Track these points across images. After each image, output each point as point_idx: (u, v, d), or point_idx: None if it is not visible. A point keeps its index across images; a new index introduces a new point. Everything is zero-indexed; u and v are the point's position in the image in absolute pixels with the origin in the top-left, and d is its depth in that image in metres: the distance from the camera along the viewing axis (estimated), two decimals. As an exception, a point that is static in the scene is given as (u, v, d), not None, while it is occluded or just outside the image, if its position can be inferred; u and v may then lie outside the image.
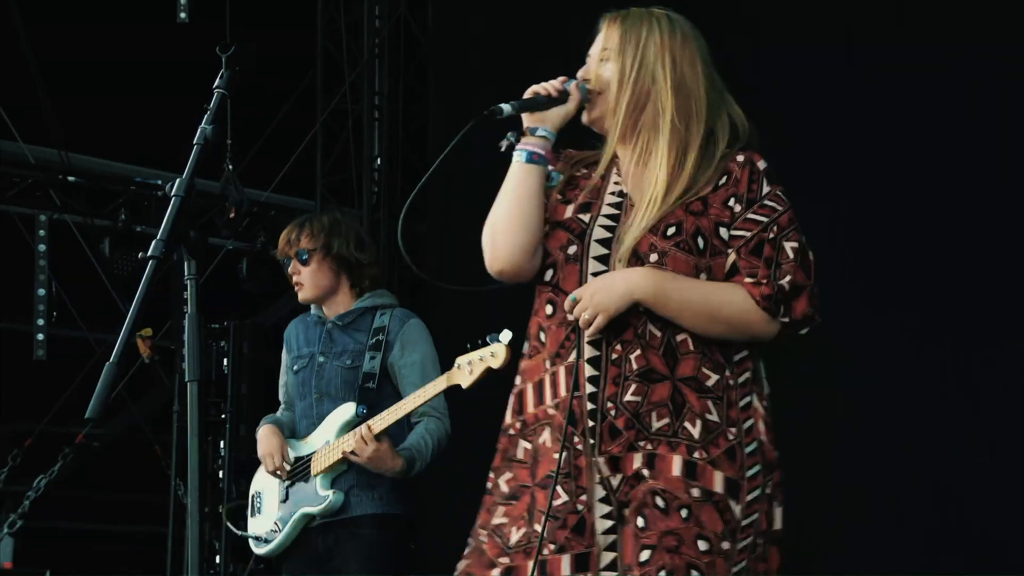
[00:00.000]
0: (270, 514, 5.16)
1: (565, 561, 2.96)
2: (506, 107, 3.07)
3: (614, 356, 3.01)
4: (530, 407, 3.11)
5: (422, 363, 4.98)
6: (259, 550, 5.24)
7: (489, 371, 4.60)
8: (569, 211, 3.08)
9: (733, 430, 2.97)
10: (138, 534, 9.43)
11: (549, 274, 3.11)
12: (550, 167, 3.11)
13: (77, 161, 8.66)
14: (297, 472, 5.09)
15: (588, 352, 3.03)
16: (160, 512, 8.27)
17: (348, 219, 5.43)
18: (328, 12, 8.84)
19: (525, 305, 5.50)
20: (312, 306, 5.25)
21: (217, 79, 3.15)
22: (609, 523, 2.97)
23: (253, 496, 5.32)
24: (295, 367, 5.25)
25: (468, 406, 5.55)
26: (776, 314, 2.97)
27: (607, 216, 3.04)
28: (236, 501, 5.84)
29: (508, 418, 3.15)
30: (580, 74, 3.18)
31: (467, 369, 4.64)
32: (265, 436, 5.11)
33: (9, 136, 8.30)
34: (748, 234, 3.00)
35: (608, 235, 3.05)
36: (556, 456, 3.02)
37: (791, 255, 2.98)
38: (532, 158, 3.09)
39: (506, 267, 3.12)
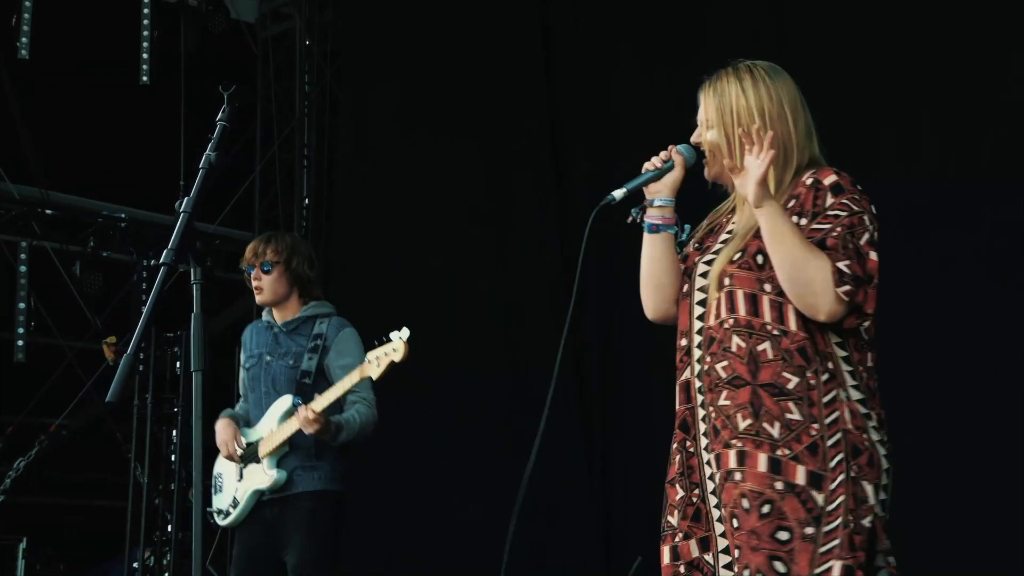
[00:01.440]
0: (229, 491, 5.34)
1: (692, 545, 3.11)
2: (618, 193, 3.22)
3: (705, 367, 3.12)
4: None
5: (352, 365, 5.11)
6: (222, 522, 5.37)
7: (393, 364, 4.82)
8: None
9: (816, 426, 2.99)
10: (102, 508, 9.46)
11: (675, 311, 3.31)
12: (680, 226, 3.25)
13: (54, 197, 9.26)
14: (250, 455, 5.28)
15: (696, 368, 3.16)
16: (120, 489, 8.82)
17: (304, 242, 5.61)
18: (267, 78, 9.53)
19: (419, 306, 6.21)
20: (264, 312, 5.46)
21: (219, 113, 3.38)
22: (719, 512, 3.09)
23: (215, 477, 5.49)
24: (247, 365, 5.44)
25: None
26: (839, 286, 2.94)
27: (713, 253, 3.15)
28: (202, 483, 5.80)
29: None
30: (693, 139, 3.28)
31: (375, 363, 4.86)
32: (221, 427, 5.31)
33: None
34: (815, 237, 3.03)
35: (707, 268, 3.17)
36: (677, 458, 3.20)
37: (852, 251, 2.99)
38: (652, 228, 3.25)
39: (655, 317, 3.35)
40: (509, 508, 4.23)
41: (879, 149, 6.93)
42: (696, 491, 3.08)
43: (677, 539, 3.12)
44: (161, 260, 3.13)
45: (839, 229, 2.98)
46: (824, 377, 3.00)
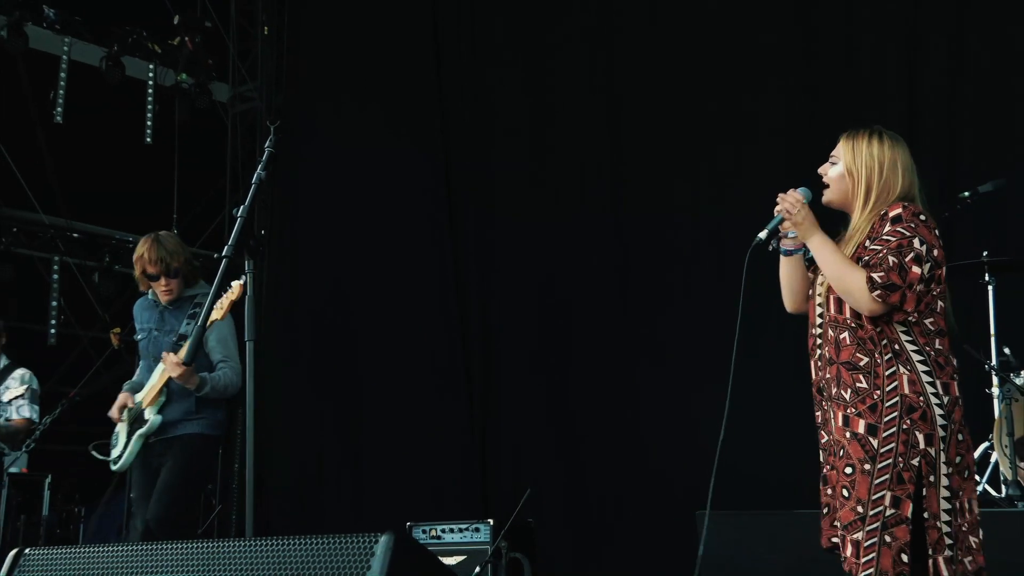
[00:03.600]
0: (121, 443, 5.36)
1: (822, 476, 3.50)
2: (762, 234, 3.46)
3: (819, 352, 3.48)
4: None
5: (223, 334, 5.17)
6: (115, 467, 5.37)
7: (232, 303, 4.74)
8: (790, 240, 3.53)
9: (877, 392, 3.29)
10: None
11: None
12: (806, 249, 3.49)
13: (77, 225, 9.97)
14: (136, 413, 5.30)
15: (818, 352, 3.51)
16: None
17: (176, 237, 5.44)
18: (235, 142, 10.25)
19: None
20: (149, 292, 5.40)
21: (267, 142, 3.75)
22: (823, 452, 3.49)
23: (114, 435, 5.49)
24: (139, 337, 5.46)
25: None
26: (872, 291, 3.27)
27: None
28: (99, 442, 5.68)
29: None
30: (820, 170, 3.57)
31: (219, 308, 4.76)
32: (118, 398, 5.40)
33: (34, 209, 9.63)
34: (867, 256, 3.35)
35: (823, 279, 3.48)
36: (818, 413, 3.54)
37: (891, 264, 3.28)
38: (787, 253, 3.54)
39: (792, 310, 3.65)
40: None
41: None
42: (829, 437, 3.44)
43: (824, 470, 3.47)
44: (223, 254, 3.52)
45: (884, 250, 3.31)
46: (888, 356, 3.32)
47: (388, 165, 9.09)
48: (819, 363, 3.46)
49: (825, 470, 3.45)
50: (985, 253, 5.64)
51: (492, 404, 8.41)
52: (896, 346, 3.32)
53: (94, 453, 5.80)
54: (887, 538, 3.18)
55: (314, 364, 9.03)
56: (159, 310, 5.34)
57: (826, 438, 3.44)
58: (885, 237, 3.34)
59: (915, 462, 3.22)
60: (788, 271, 3.58)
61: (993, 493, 5.45)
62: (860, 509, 3.22)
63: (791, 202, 3.46)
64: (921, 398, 3.27)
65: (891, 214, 3.36)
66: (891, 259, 3.28)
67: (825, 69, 7.29)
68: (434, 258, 8.80)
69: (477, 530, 6.43)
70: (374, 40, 9.30)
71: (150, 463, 5.21)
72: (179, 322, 5.23)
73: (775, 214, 3.48)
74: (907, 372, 3.29)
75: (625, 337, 7.70)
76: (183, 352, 4.89)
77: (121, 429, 5.38)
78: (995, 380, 5.58)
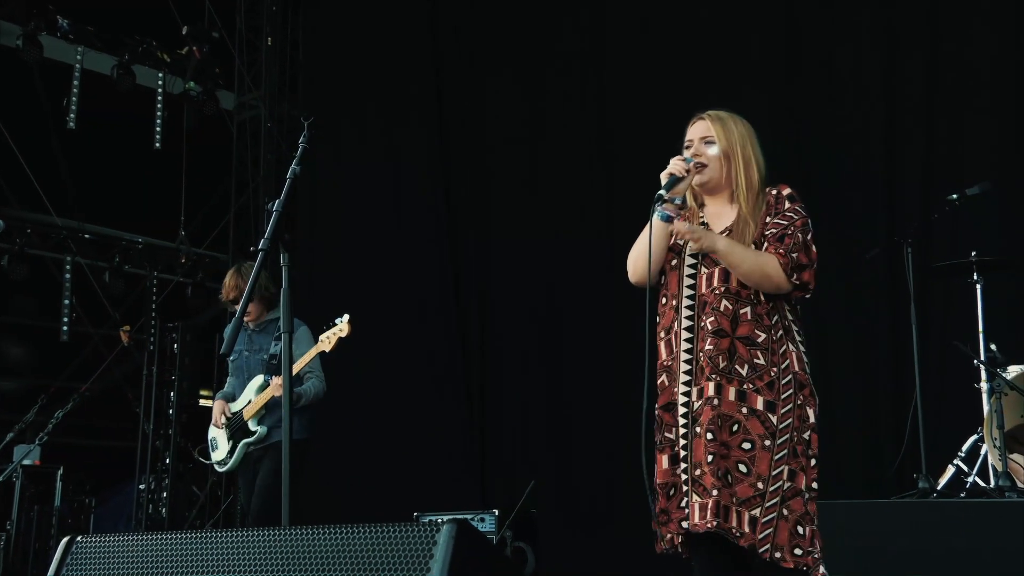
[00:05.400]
0: (223, 449, 5.64)
1: (665, 458, 3.27)
2: (662, 192, 3.25)
3: (701, 323, 3.26)
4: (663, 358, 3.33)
5: (307, 350, 5.35)
6: (221, 469, 5.69)
7: (340, 340, 5.15)
8: (672, 239, 3.35)
9: (774, 369, 3.20)
10: (117, 447, 10.05)
11: (662, 280, 3.38)
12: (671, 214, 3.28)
13: (89, 228, 9.99)
14: (235, 421, 5.58)
15: (685, 323, 3.29)
16: (131, 434, 9.55)
17: (264, 273, 5.32)
18: (240, 148, 10.22)
19: (356, 299, 6.50)
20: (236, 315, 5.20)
21: (301, 137, 3.54)
22: (685, 430, 3.22)
23: (211, 440, 5.77)
24: (232, 359, 5.71)
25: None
26: (791, 276, 3.21)
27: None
28: (202, 446, 5.98)
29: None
30: (694, 152, 3.36)
31: (327, 341, 5.17)
32: (214, 407, 5.69)
33: (47, 211, 9.65)
34: (775, 230, 3.25)
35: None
36: (673, 389, 3.28)
37: (800, 243, 3.24)
38: (668, 219, 3.30)
39: (638, 281, 3.39)
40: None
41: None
42: (670, 416, 3.26)
43: (676, 448, 3.24)
44: (259, 247, 3.35)
45: (791, 228, 3.25)
46: (779, 334, 3.24)
47: (389, 173, 9.10)
48: (686, 336, 3.26)
49: (677, 448, 3.22)
50: (974, 253, 5.60)
51: (491, 401, 8.39)
52: (785, 323, 3.27)
53: (199, 458, 6.40)
54: (784, 511, 3.10)
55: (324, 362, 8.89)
56: (248, 333, 5.61)
57: (684, 413, 3.22)
58: (787, 214, 3.28)
59: (806, 435, 3.18)
60: (660, 237, 3.32)
61: (982, 484, 5.40)
62: (760, 485, 3.10)
63: (682, 165, 3.31)
64: (806, 375, 3.24)
65: (784, 192, 3.33)
66: (800, 237, 3.24)
67: (806, 79, 7.25)
68: (434, 261, 8.77)
69: (482, 520, 6.37)
70: (375, 55, 9.32)
71: (252, 469, 5.52)
72: (267, 342, 5.49)
73: (670, 174, 3.28)
74: (795, 349, 3.25)
75: (621, 334, 7.56)
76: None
77: (219, 435, 5.66)
78: (983, 375, 5.54)
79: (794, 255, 3.21)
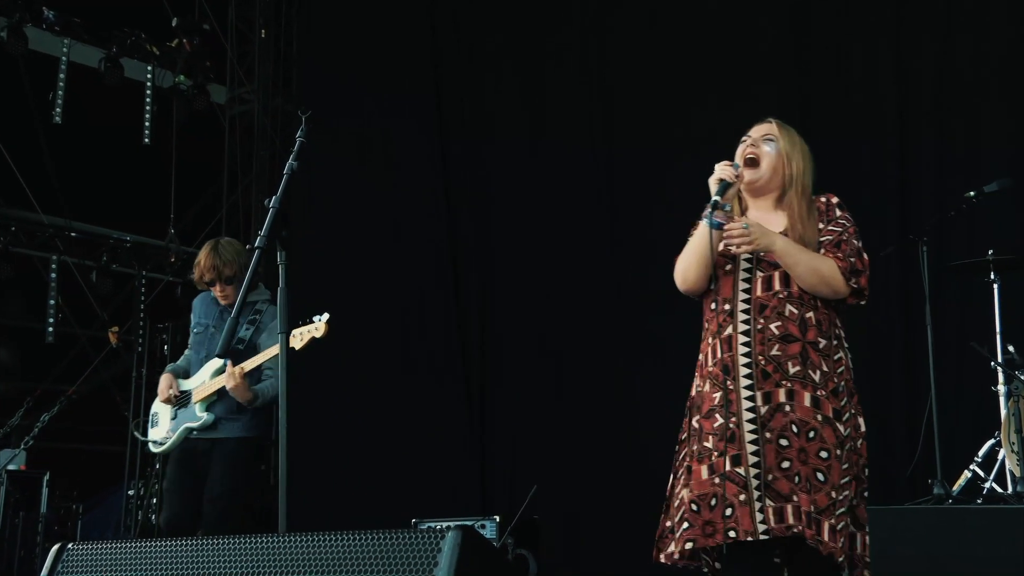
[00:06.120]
0: (163, 427, 5.35)
1: (726, 461, 3.21)
2: (717, 198, 3.30)
3: (759, 326, 3.28)
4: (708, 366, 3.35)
5: (271, 339, 5.11)
6: (156, 449, 5.40)
7: (314, 339, 4.75)
8: (722, 245, 3.34)
9: (834, 376, 3.27)
10: (105, 451, 9.96)
11: (713, 284, 3.38)
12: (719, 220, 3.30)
13: (76, 225, 9.91)
14: (183, 400, 5.28)
15: (741, 327, 3.31)
16: (119, 437, 9.46)
17: (242, 248, 5.41)
18: (232, 144, 10.11)
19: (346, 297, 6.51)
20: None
21: (298, 132, 3.54)
22: (754, 435, 3.21)
23: (152, 415, 5.44)
24: (196, 330, 5.42)
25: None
26: (849, 280, 3.27)
27: None
28: (138, 420, 5.59)
29: (693, 389, 3.42)
30: (749, 150, 3.48)
31: (299, 337, 4.75)
32: (161, 379, 5.37)
33: (33, 208, 9.56)
34: (830, 237, 3.34)
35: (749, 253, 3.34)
36: (714, 396, 3.28)
37: (855, 250, 3.33)
38: (719, 227, 3.32)
39: (689, 289, 3.45)
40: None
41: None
42: (733, 419, 3.21)
43: (713, 458, 3.24)
44: (256, 244, 3.37)
45: (845, 234, 3.34)
46: (835, 341, 3.33)
47: (386, 168, 9.10)
48: (744, 340, 3.27)
49: (714, 459, 3.24)
50: (991, 252, 5.60)
51: (492, 404, 8.40)
52: (837, 330, 3.35)
53: (135, 432, 6.02)
54: (851, 520, 3.21)
55: (313, 363, 8.76)
56: (219, 309, 5.34)
57: (752, 419, 3.22)
58: (840, 221, 3.37)
59: (859, 444, 3.27)
60: (714, 243, 3.35)
61: (999, 490, 5.39)
62: (834, 494, 3.17)
63: (731, 170, 3.38)
64: (853, 383, 3.33)
65: (834, 200, 3.42)
66: (854, 243, 3.33)
67: (817, 75, 7.27)
68: (432, 259, 8.78)
69: (483, 527, 6.34)
70: (372, 47, 9.20)
71: (190, 459, 5.20)
72: (239, 325, 5.19)
73: (717, 182, 3.34)
74: (845, 357, 3.34)
75: (623, 335, 7.65)
76: (248, 364, 4.95)
77: (163, 411, 5.37)
78: (1001, 378, 5.54)
79: (851, 260, 3.29)
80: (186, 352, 5.55)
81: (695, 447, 3.29)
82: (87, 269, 9.84)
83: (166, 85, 10.13)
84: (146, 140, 10.03)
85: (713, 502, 3.21)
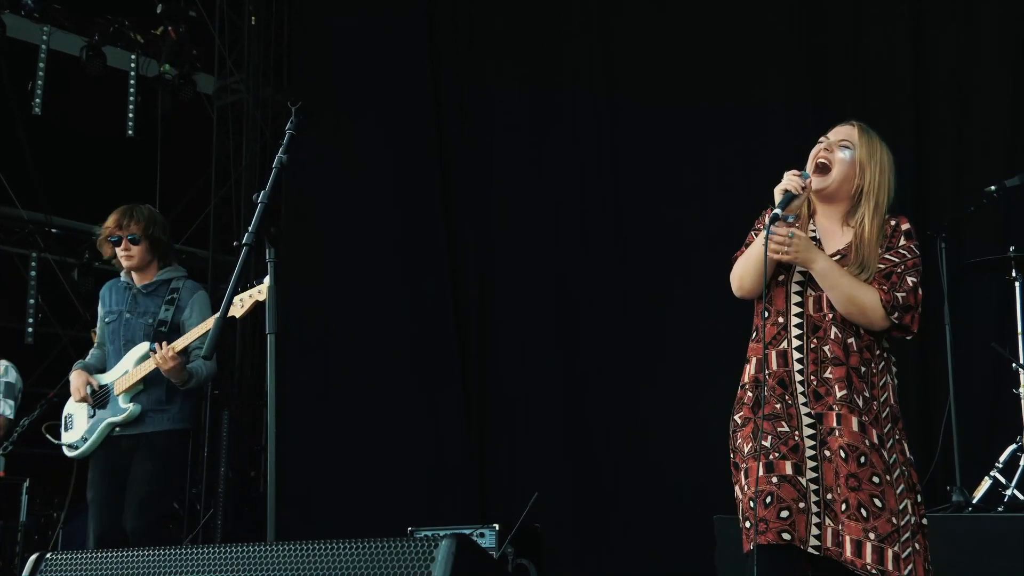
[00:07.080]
0: (80, 428, 5.18)
1: (787, 465, 3.28)
2: (778, 211, 3.31)
3: (812, 345, 3.33)
4: (752, 372, 3.42)
5: (202, 317, 5.06)
6: (71, 454, 5.20)
7: (257, 304, 4.43)
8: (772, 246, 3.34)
9: (875, 403, 3.31)
10: (86, 457, 9.72)
11: (765, 292, 3.39)
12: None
13: (56, 220, 9.91)
14: (102, 396, 5.11)
15: (795, 343, 3.36)
16: None
17: (159, 215, 5.39)
18: (221, 136, 10.15)
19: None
20: (122, 273, 5.32)
21: (288, 124, 3.51)
22: (812, 452, 3.29)
23: (65, 417, 5.29)
24: (107, 320, 5.27)
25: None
26: (890, 315, 3.28)
27: None
28: (49, 423, 5.74)
29: (745, 378, 3.45)
30: (822, 155, 3.44)
31: (239, 304, 4.44)
32: (73, 377, 5.18)
33: (11, 203, 9.54)
34: (884, 266, 3.33)
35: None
36: (775, 405, 3.33)
37: (910, 285, 3.32)
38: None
39: (744, 295, 3.46)
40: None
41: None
42: (797, 432, 3.29)
43: (772, 457, 3.29)
44: (243, 241, 3.35)
45: (902, 268, 3.33)
46: (880, 366, 3.36)
47: (381, 161, 9.10)
48: (799, 357, 3.34)
49: (772, 458, 3.31)
50: (1012, 248, 5.55)
51: (491, 408, 8.42)
52: (885, 355, 3.38)
53: (47, 436, 5.63)
54: (916, 547, 3.23)
55: (311, 365, 8.94)
56: (132, 293, 5.21)
57: (812, 435, 3.31)
58: (901, 251, 3.36)
59: (906, 470, 3.31)
60: (769, 256, 3.37)
61: (1021, 497, 5.34)
62: (894, 520, 3.21)
63: (798, 181, 3.35)
64: (899, 407, 3.36)
65: (903, 227, 3.39)
66: (910, 280, 3.32)
67: (831, 60, 7.25)
68: (430, 254, 8.78)
69: (482, 535, 6.36)
70: (366, 35, 9.27)
71: (114, 461, 5.06)
72: (156, 307, 5.11)
73: (782, 192, 3.33)
74: (891, 381, 3.38)
75: (629, 336, 7.64)
76: (180, 342, 4.82)
77: (78, 411, 5.21)
78: (1023, 379, 5.50)
79: (900, 295, 3.28)
80: (92, 350, 5.40)
81: (750, 444, 3.36)
82: (69, 267, 9.80)
83: (151, 74, 10.13)
84: (130, 132, 10.05)
85: (768, 500, 3.26)
